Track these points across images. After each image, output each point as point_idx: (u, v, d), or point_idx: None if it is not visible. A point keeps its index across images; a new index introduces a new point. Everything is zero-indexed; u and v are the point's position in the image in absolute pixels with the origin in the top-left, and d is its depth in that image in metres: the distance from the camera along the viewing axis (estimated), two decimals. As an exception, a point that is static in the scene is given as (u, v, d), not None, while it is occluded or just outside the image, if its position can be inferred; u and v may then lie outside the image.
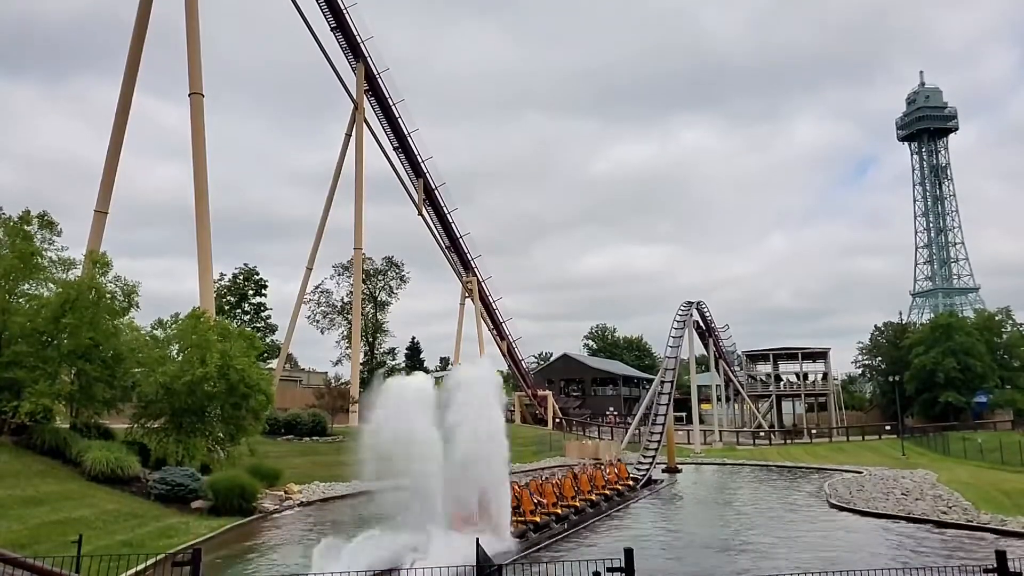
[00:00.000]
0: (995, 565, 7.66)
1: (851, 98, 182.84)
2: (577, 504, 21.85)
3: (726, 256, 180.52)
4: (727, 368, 70.00)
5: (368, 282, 66.78)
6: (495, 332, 63.89)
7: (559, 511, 20.37)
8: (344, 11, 47.78)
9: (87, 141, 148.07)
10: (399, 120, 52.06)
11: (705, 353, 69.52)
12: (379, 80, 50.73)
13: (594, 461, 29.04)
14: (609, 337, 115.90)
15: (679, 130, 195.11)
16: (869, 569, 9.48)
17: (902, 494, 25.37)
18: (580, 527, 20.14)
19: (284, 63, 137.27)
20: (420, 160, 53.24)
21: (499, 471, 17.77)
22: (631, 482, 28.67)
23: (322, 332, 70.05)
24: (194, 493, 20.34)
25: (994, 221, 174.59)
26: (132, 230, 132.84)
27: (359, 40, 49.05)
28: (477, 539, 8.85)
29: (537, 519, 18.88)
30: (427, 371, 62.77)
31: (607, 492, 25.01)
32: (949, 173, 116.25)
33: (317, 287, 67.94)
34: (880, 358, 75.58)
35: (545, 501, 20.16)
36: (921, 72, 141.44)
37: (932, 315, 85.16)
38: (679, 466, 39.43)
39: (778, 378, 75.63)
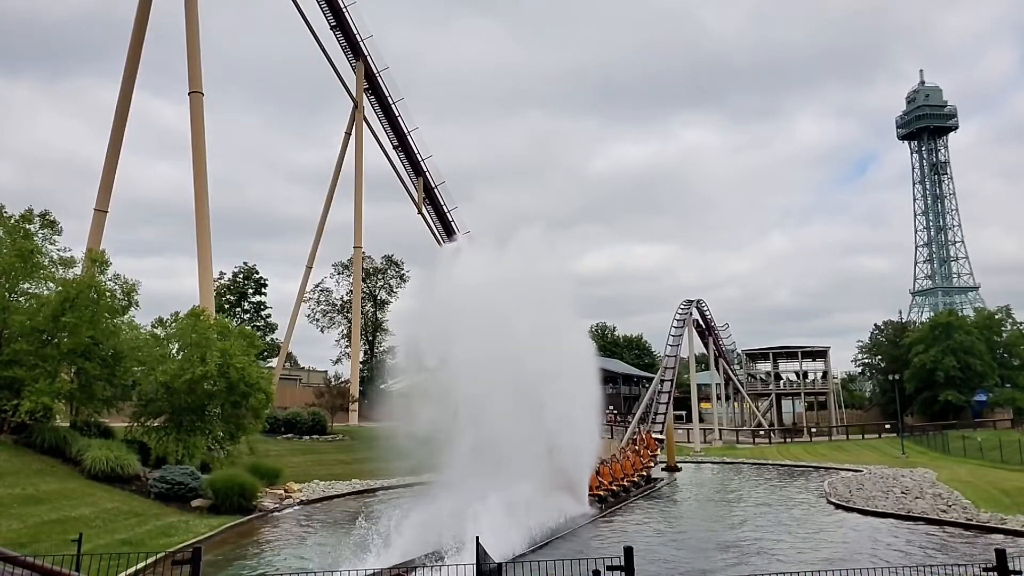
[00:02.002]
0: (995, 564, 7.66)
1: (851, 96, 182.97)
2: (625, 484, 26.75)
3: (726, 254, 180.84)
4: (727, 367, 70.02)
5: (368, 281, 66.60)
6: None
7: (614, 488, 25.23)
8: (344, 10, 47.74)
9: (85, 139, 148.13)
10: (399, 119, 51.99)
11: (705, 352, 69.52)
12: (379, 79, 50.68)
13: (633, 447, 33.92)
14: (609, 336, 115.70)
15: (679, 128, 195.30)
16: (869, 568, 9.47)
17: (902, 493, 25.38)
18: (625, 503, 24.82)
19: (283, 61, 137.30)
20: (420, 159, 53.16)
21: (590, 456, 23.15)
22: (659, 452, 35.36)
23: (322, 331, 69.89)
24: (194, 492, 20.34)
25: (994, 219, 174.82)
26: (131, 228, 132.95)
27: (359, 39, 49.01)
28: (477, 537, 8.83)
29: (601, 493, 23.87)
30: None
31: (643, 473, 30.18)
32: (949, 171, 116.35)
33: (317, 286, 67.80)
34: (880, 357, 75.57)
35: (604, 481, 24.77)
36: (921, 71, 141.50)
37: (932, 314, 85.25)
38: (679, 464, 39.51)
39: (778, 377, 75.63)
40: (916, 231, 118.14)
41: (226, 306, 58.44)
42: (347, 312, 64.10)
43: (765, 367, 75.91)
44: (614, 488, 25.09)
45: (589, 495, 22.59)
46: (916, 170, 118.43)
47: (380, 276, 69.55)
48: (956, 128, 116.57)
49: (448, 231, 55.60)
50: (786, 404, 76.67)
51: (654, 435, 39.04)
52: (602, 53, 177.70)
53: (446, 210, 55.09)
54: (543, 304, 20.25)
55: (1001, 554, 7.67)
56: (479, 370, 17.91)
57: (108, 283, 23.00)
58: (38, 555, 8.52)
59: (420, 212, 54.27)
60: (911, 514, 21.32)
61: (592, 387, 23.11)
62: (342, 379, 56.42)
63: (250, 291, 62.31)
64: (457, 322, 18.41)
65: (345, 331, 66.19)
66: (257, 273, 62.90)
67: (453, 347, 18.25)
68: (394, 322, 64.35)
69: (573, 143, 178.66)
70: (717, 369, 67.69)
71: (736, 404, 75.26)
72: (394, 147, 53.01)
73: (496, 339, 18.74)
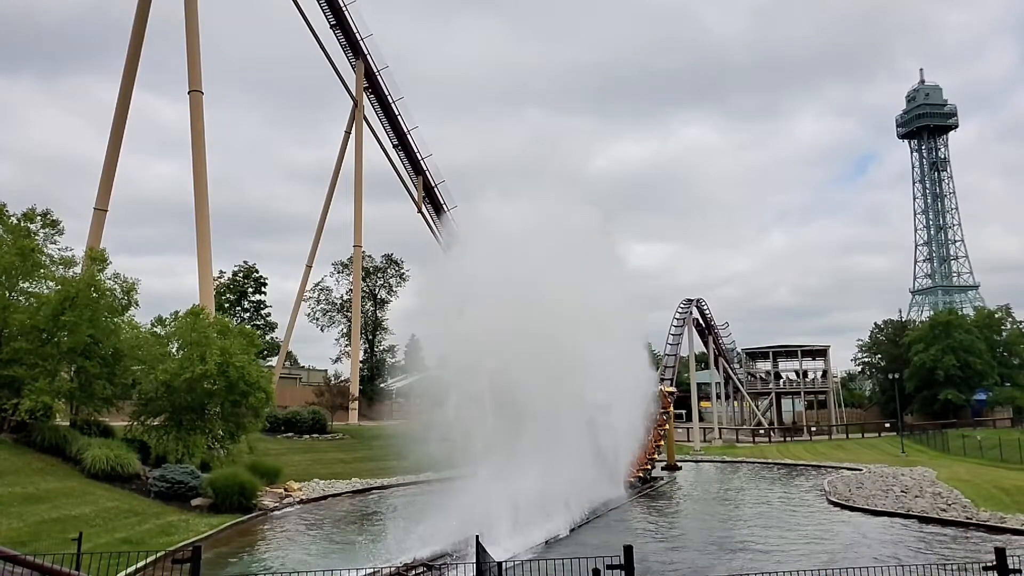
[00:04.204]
0: (994, 562, 7.66)
1: (851, 94, 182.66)
2: (648, 468, 29.93)
3: (726, 253, 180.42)
4: (727, 366, 69.97)
5: (368, 280, 66.52)
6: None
7: (640, 474, 28.22)
8: (343, 8, 47.69)
9: (85, 138, 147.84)
10: (399, 118, 51.94)
11: (705, 351, 69.42)
12: (379, 77, 50.64)
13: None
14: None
15: (679, 127, 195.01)
16: (869, 567, 9.47)
17: (901, 491, 25.39)
18: (644, 490, 26.87)
19: (283, 59, 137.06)
20: (420, 158, 53.10)
21: (632, 437, 25.59)
22: (672, 411, 38.32)
23: (322, 330, 69.72)
24: (194, 491, 20.35)
25: (994, 218, 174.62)
26: (131, 227, 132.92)
27: (359, 38, 48.97)
28: (477, 536, 8.83)
29: (631, 479, 26.92)
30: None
31: (639, 475, 31.32)
32: (949, 170, 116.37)
33: (317, 285, 67.78)
34: (880, 355, 75.53)
35: (632, 468, 27.80)
36: (921, 70, 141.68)
37: (932, 312, 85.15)
38: (679, 463, 39.51)
39: (778, 376, 75.57)
40: (916, 230, 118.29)
41: (226, 305, 58.38)
42: (347, 311, 64.05)
43: (765, 366, 75.86)
44: (639, 475, 27.27)
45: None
46: (916, 169, 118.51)
47: (380, 275, 69.48)
48: (956, 127, 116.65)
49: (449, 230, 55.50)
50: (786, 403, 76.64)
51: (665, 388, 39.22)
52: (602, 51, 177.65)
53: (446, 209, 55.05)
54: (576, 258, 17.95)
55: (1001, 553, 7.68)
56: (505, 344, 16.02)
57: (108, 282, 23.03)
58: (38, 554, 8.51)
59: (420, 211, 54.24)
60: (911, 513, 21.34)
61: (640, 355, 22.16)
62: (342, 378, 56.39)
63: (250, 290, 62.28)
64: (477, 291, 16.51)
65: (345, 330, 66.14)
66: (257, 272, 62.89)
67: (472, 323, 16.39)
68: (397, 320, 64.19)
69: (573, 141, 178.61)
70: (717, 368, 67.65)
71: (736, 403, 75.20)
72: (394, 146, 52.97)
73: (523, 307, 16.60)
